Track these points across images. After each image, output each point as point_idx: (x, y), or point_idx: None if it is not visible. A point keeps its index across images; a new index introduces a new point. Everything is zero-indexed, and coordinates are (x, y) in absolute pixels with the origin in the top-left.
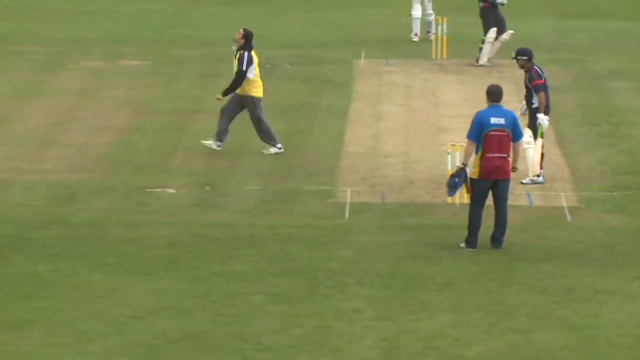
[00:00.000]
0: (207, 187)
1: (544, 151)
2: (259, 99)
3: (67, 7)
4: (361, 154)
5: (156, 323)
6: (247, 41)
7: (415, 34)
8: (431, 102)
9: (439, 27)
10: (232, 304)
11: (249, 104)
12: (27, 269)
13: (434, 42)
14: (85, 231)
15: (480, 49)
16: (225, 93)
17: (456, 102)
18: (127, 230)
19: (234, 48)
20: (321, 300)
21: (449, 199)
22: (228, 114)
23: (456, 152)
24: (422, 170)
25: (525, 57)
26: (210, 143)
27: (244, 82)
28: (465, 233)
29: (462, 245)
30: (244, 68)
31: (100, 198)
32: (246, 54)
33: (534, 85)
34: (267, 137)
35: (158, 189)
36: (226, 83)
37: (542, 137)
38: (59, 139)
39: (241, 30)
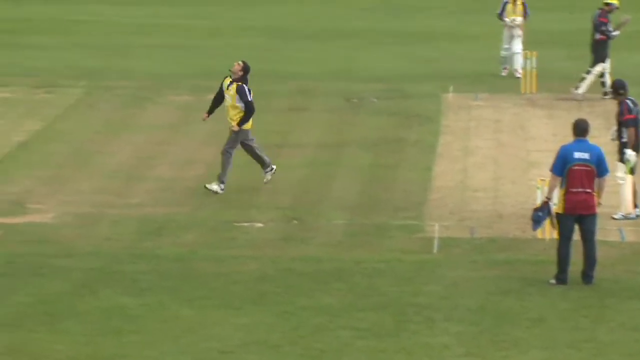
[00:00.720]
0: (294, 221)
1: (638, 188)
2: (244, 132)
3: (155, 42)
4: (449, 188)
5: (245, 358)
6: (245, 74)
7: (505, 68)
8: (520, 136)
9: (528, 62)
10: (320, 338)
11: (230, 132)
12: (116, 302)
13: (523, 76)
14: (173, 265)
15: (583, 78)
16: (240, 123)
17: (545, 136)
18: (215, 265)
19: (228, 80)
20: (409, 336)
21: (538, 233)
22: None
23: (545, 187)
24: (512, 205)
25: (618, 90)
26: (215, 187)
27: (234, 111)
28: (555, 269)
29: (552, 281)
30: (250, 98)
31: (188, 232)
32: (245, 86)
33: (624, 120)
34: (223, 172)
35: (246, 223)
36: (314, 117)
37: (630, 173)
38: (147, 173)
39: (240, 63)
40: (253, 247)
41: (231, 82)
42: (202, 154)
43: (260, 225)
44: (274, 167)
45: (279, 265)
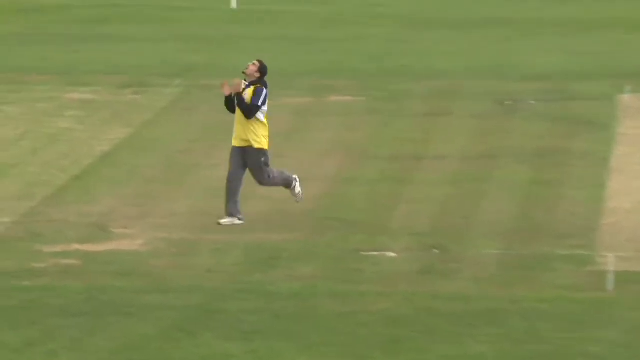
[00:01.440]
0: (435, 250)
1: None
2: (264, 152)
3: (264, 33)
4: (627, 210)
5: None
6: (262, 75)
7: None
8: None
9: None
10: None
11: (252, 155)
12: (218, 348)
13: None
14: (287, 303)
15: None
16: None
17: None
18: (338, 303)
19: (244, 83)
20: None
21: None
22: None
23: None
24: None
25: None
26: (228, 221)
27: (249, 129)
28: None
29: None
30: (259, 103)
31: (305, 263)
32: (264, 90)
33: None
34: (287, 186)
35: (375, 253)
36: (457, 123)
37: None
38: (255, 190)
39: (256, 62)
40: (384, 282)
41: (246, 86)
42: (321, 167)
43: (392, 255)
44: (295, 176)
45: (416, 304)
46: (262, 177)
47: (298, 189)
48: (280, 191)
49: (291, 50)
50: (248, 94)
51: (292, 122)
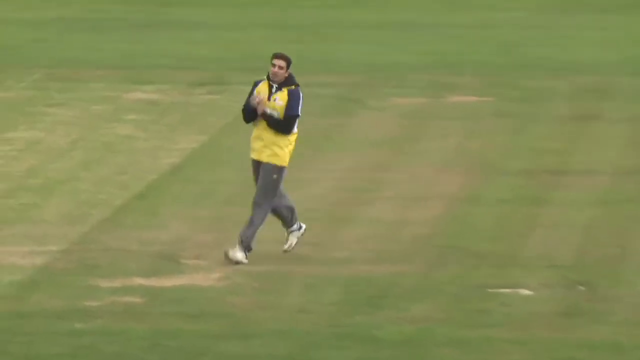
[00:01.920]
0: (580, 287)
1: None
2: (281, 169)
3: (369, 19)
4: None
5: None
6: (290, 74)
7: None
8: None
9: None
10: None
11: (266, 170)
12: None
13: None
14: (397, 352)
15: None
16: (277, 125)
17: None
18: (460, 351)
19: (265, 87)
20: None
21: None
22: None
23: None
24: None
25: None
26: (238, 256)
27: (275, 139)
28: None
29: None
30: (300, 111)
31: (419, 302)
32: (300, 92)
33: None
34: (289, 220)
35: (505, 290)
36: (610, 129)
37: None
38: (356, 211)
39: (280, 60)
40: (517, 326)
41: (275, 89)
42: (439, 184)
43: (527, 292)
44: (303, 225)
45: (558, 354)
46: (264, 198)
47: (296, 236)
48: (391, 211)
49: (403, 40)
50: (280, 99)
51: (402, 127)
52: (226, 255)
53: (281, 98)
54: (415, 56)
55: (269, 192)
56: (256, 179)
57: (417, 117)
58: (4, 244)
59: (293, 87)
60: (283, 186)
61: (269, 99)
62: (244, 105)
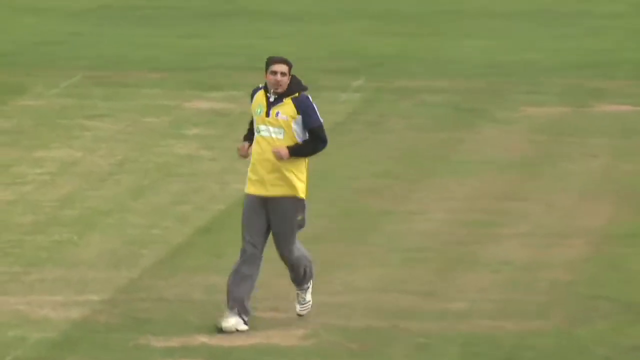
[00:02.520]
0: None
1: None
2: (304, 204)
3: (497, 6)
4: None
5: None
6: (293, 80)
7: None
8: None
9: None
10: None
11: (287, 208)
12: None
13: None
14: None
15: None
16: (296, 152)
17: None
18: None
19: (262, 97)
20: None
21: None
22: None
23: None
24: None
25: None
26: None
27: (288, 164)
28: None
29: None
30: (321, 118)
31: None
32: (312, 101)
33: None
34: (303, 278)
35: None
36: None
37: None
38: (477, 251)
39: (283, 66)
40: None
41: (275, 100)
42: (583, 216)
43: None
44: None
45: None
46: (289, 245)
47: (309, 295)
48: (523, 250)
49: (537, 33)
50: (284, 112)
51: (535, 145)
52: (299, 314)
53: (285, 112)
54: (552, 54)
55: (294, 234)
56: (255, 223)
57: (554, 131)
58: (33, 292)
59: (297, 94)
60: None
61: (267, 114)
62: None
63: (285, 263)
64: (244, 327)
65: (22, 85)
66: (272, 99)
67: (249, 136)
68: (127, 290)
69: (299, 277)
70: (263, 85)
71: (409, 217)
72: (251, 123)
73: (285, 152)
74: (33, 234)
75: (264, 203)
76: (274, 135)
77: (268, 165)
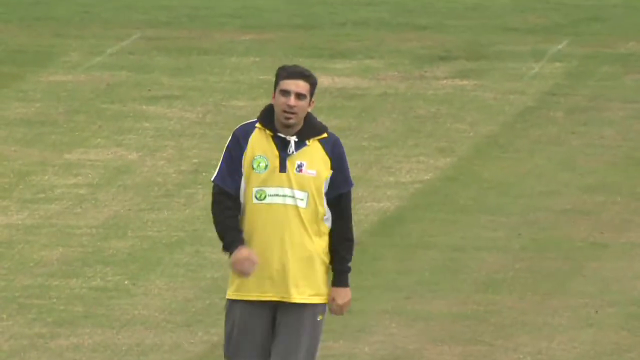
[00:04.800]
0: None
1: None
2: (324, 308)
3: None
4: None
5: None
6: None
7: None
8: None
9: None
10: None
11: (311, 319)
12: None
13: None
14: None
15: None
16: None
17: None
18: None
19: (285, 138)
20: None
21: None
22: None
23: None
24: None
25: None
26: None
27: (313, 256)
28: None
29: None
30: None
31: None
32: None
33: None
34: None
35: None
36: None
37: None
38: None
39: (301, 83)
40: None
41: (295, 144)
42: None
43: None
44: None
45: None
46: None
47: None
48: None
49: None
50: (311, 164)
51: None
52: None
53: (312, 162)
54: None
55: (316, 349)
56: (252, 339)
57: None
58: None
59: (325, 135)
60: None
61: (282, 168)
62: (217, 218)
63: None
64: None
65: (49, 51)
66: (291, 142)
67: (234, 224)
68: (203, 354)
69: None
70: (259, 117)
71: (631, 252)
72: (227, 195)
73: (349, 296)
74: (63, 277)
75: (274, 311)
76: (298, 204)
77: (281, 262)
